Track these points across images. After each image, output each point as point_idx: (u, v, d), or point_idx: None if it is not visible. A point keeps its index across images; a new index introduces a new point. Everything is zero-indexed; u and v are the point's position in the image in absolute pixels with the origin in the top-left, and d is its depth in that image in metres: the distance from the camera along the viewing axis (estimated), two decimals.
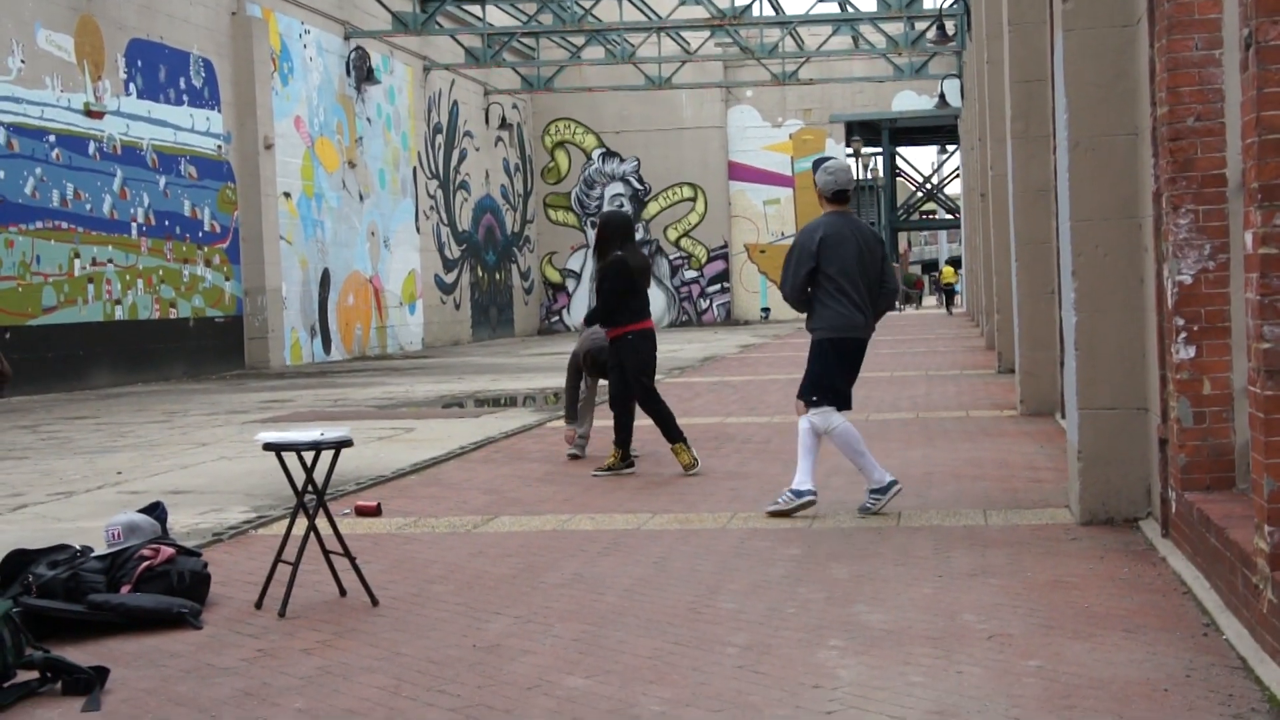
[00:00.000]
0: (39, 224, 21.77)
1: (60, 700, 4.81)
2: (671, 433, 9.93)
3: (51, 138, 22.18)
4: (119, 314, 23.74)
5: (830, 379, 7.90)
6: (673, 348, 30.56)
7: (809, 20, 34.71)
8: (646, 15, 37.15)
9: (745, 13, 33.45)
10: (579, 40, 40.14)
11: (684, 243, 47.96)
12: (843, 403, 7.98)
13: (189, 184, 25.95)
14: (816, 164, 8.09)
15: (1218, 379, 6.15)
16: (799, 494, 7.83)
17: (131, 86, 24.33)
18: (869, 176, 62.08)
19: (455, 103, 40.47)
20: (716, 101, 47.47)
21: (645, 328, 10.01)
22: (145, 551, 6.18)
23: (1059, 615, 5.41)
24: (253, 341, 27.83)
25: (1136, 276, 7.16)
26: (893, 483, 7.90)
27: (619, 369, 10.02)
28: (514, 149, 45.88)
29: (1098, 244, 7.21)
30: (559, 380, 20.91)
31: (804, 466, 7.87)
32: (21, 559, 6.07)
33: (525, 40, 41.09)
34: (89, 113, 23.06)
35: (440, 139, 39.27)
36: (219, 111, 27.11)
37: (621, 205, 47.48)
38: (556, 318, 47.73)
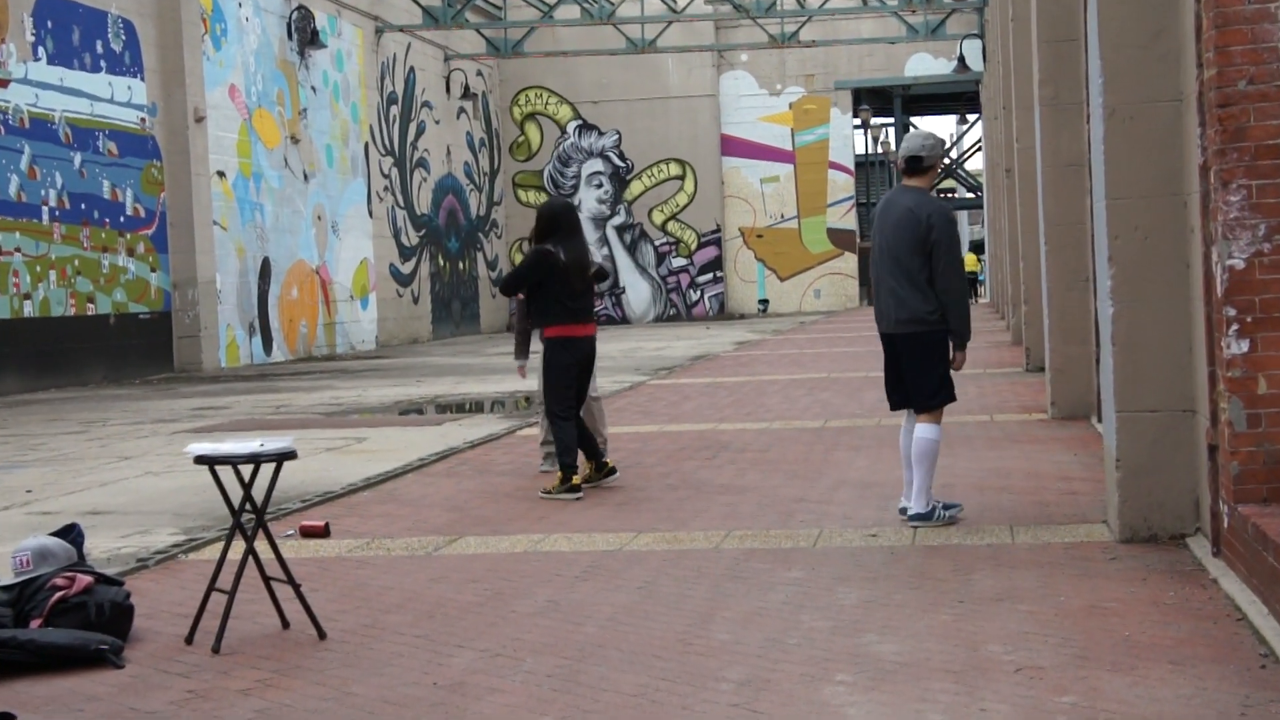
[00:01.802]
0: None
1: None
2: (567, 457, 9.79)
3: None
4: (28, 310, 23.64)
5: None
6: (659, 344, 30.57)
7: None
8: None
9: None
10: None
11: (671, 226, 48.00)
12: (892, 403, 8.38)
13: (108, 162, 25.87)
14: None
15: (1274, 376, 6.16)
16: (949, 506, 8.15)
17: (41, 50, 24.23)
18: (879, 150, 62.22)
19: (412, 69, 40.43)
20: (707, 67, 47.51)
21: (573, 334, 9.92)
22: (59, 580, 6.15)
23: (1096, 645, 5.41)
24: (183, 341, 27.76)
25: (1182, 261, 7.16)
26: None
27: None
28: (479, 122, 45.86)
29: (1137, 225, 7.22)
30: (530, 383, 20.86)
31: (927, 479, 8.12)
32: None
33: None
34: None
35: (395, 110, 39.22)
36: (142, 79, 27.02)
37: (600, 184, 47.48)
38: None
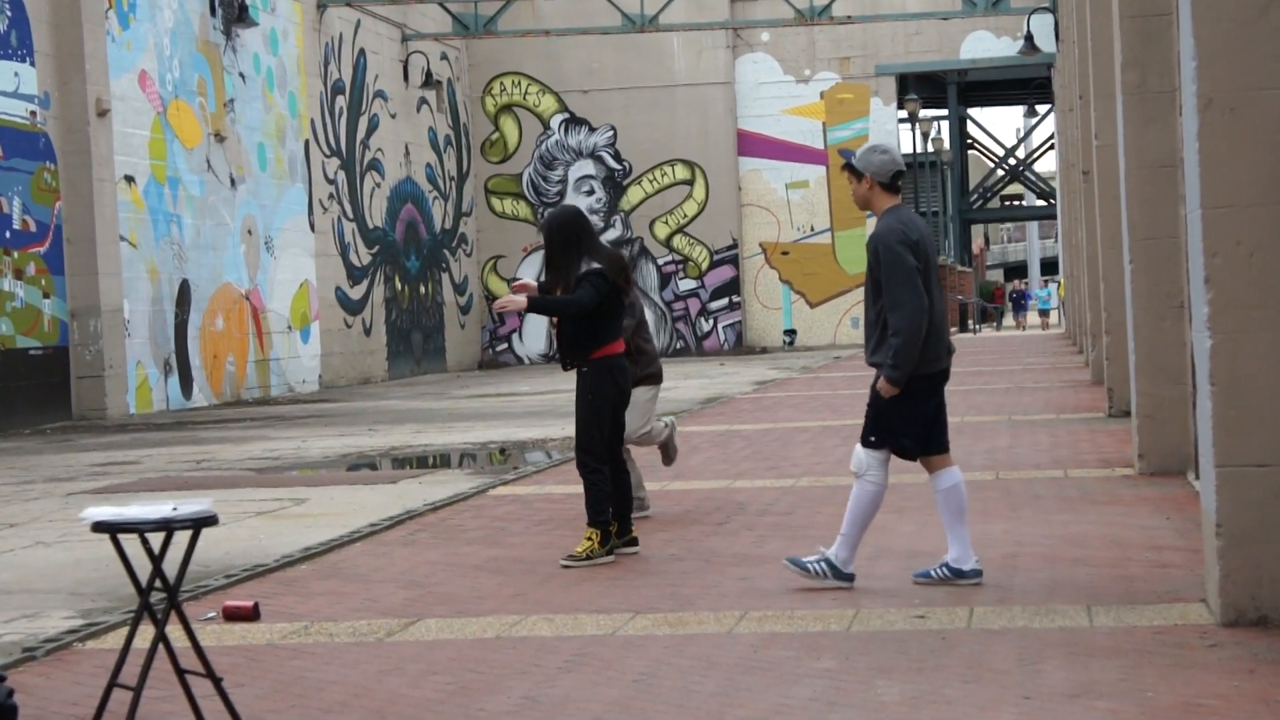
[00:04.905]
0: None
1: None
2: (605, 514, 9.97)
3: None
4: None
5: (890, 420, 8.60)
6: (664, 385, 30.55)
7: None
8: None
9: None
10: None
11: (678, 242, 48.07)
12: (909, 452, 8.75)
13: None
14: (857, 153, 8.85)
15: None
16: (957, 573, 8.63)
17: None
18: (930, 148, 62.39)
19: (362, 52, 40.58)
20: (720, 49, 47.67)
21: (618, 353, 10.16)
22: None
23: None
24: (83, 382, 27.76)
25: None
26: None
27: (592, 406, 10.04)
28: (443, 115, 45.98)
29: (1240, 240, 7.23)
30: (506, 431, 20.92)
31: (951, 537, 8.62)
32: None
33: None
34: None
35: (342, 102, 39.35)
36: (32, 65, 27.09)
37: (591, 190, 47.55)
38: (504, 346, 47.75)
